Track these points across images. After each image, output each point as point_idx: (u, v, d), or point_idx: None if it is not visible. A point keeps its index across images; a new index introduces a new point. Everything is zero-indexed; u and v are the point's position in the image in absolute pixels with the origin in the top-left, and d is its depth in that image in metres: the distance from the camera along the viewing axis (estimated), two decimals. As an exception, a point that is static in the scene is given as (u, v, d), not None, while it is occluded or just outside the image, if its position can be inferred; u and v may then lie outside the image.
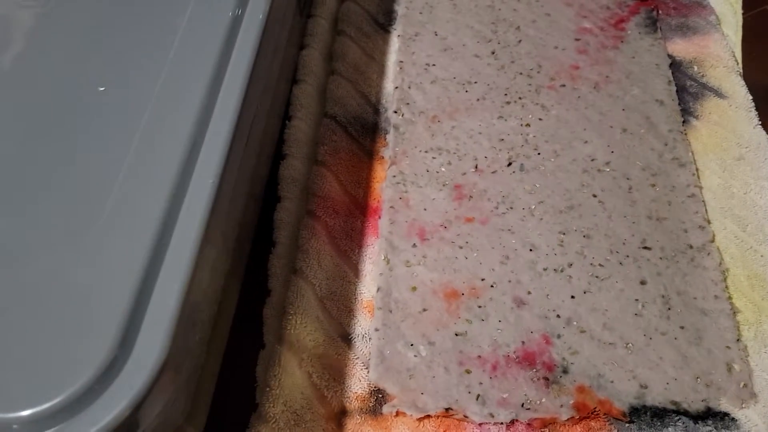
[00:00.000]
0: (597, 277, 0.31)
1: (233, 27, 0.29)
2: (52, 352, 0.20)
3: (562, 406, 0.28)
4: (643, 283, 0.31)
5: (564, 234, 0.33)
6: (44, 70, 0.27)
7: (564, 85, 0.39)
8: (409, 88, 0.39)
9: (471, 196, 0.34)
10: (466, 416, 0.28)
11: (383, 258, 0.32)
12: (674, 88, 0.39)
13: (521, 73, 0.40)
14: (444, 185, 0.35)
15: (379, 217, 0.34)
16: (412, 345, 0.30)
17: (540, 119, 0.38)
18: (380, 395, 0.29)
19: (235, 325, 0.30)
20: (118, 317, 0.21)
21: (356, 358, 0.30)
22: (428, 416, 0.28)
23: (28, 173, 0.24)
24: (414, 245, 0.33)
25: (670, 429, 0.27)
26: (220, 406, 0.28)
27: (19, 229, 0.23)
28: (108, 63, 0.28)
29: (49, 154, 0.25)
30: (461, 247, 0.33)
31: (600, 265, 0.32)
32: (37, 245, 0.22)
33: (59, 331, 0.21)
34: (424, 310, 0.31)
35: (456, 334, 0.30)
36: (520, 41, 0.42)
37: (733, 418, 0.28)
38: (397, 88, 0.39)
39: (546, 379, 0.29)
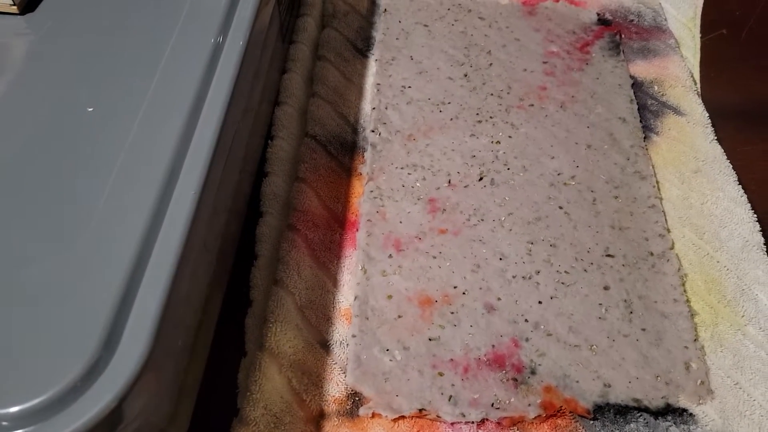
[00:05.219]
0: (563, 283, 0.33)
1: (215, 53, 0.31)
2: (40, 352, 0.21)
3: (530, 405, 0.29)
4: (606, 288, 0.33)
5: (532, 243, 0.35)
6: (39, 91, 0.29)
7: (532, 105, 0.41)
8: (386, 108, 0.41)
9: (444, 209, 0.36)
10: (438, 416, 0.29)
11: (360, 268, 0.34)
12: (636, 107, 0.41)
13: (492, 94, 0.42)
14: (419, 199, 0.37)
15: (357, 230, 0.36)
16: (387, 350, 0.31)
17: (510, 137, 0.40)
18: (357, 398, 0.30)
19: (218, 334, 0.32)
20: (103, 320, 0.22)
21: (334, 364, 0.31)
22: (403, 417, 0.29)
23: (23, 183, 0.25)
24: (390, 256, 0.34)
25: (632, 425, 0.29)
26: (203, 411, 0.29)
27: (10, 236, 0.24)
28: (97, 86, 0.30)
29: (43, 165, 0.26)
30: (435, 257, 0.34)
31: (566, 272, 0.34)
32: (28, 251, 0.23)
33: (48, 333, 0.22)
34: (399, 316, 0.32)
35: (429, 339, 0.31)
36: (491, 64, 0.44)
37: (691, 414, 0.29)
38: (374, 108, 0.41)
39: (515, 380, 0.30)
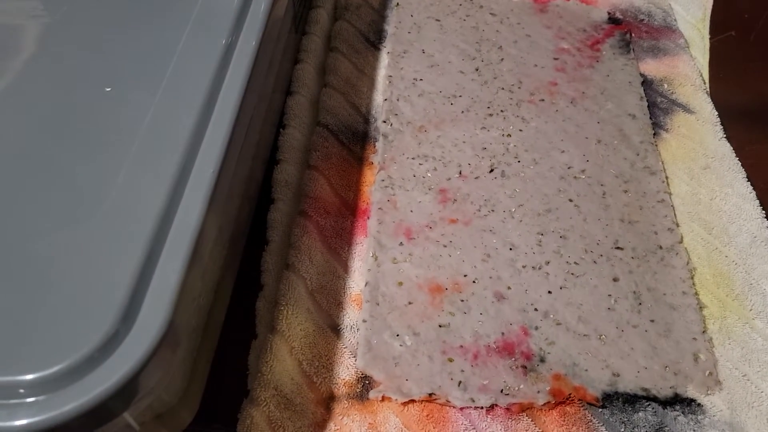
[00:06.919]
0: (572, 274, 0.33)
1: (231, 44, 0.31)
2: (59, 322, 0.22)
3: (539, 392, 0.29)
4: (615, 280, 0.33)
5: (542, 235, 0.35)
6: (58, 72, 0.29)
7: (543, 100, 0.42)
8: (398, 100, 0.41)
9: (455, 200, 0.36)
10: (448, 401, 0.29)
11: (371, 255, 0.34)
12: (646, 104, 0.42)
13: (503, 89, 0.42)
14: (430, 189, 0.37)
15: (368, 218, 0.36)
16: (398, 335, 0.31)
17: (520, 130, 0.40)
18: (367, 382, 0.30)
19: (229, 318, 0.32)
20: (122, 294, 0.22)
21: (344, 347, 0.31)
22: (412, 401, 0.29)
23: (46, 159, 0.26)
24: (401, 244, 0.34)
25: (640, 414, 0.29)
26: (214, 391, 0.30)
27: (33, 209, 0.24)
28: (114, 68, 0.30)
29: (65, 143, 0.26)
30: (445, 246, 0.34)
31: (575, 263, 0.34)
32: (51, 224, 0.24)
33: (67, 304, 0.22)
34: (410, 303, 0.32)
35: (440, 326, 0.31)
36: (502, 59, 0.44)
37: (699, 404, 0.29)
38: (386, 100, 0.41)
39: (524, 367, 0.30)
